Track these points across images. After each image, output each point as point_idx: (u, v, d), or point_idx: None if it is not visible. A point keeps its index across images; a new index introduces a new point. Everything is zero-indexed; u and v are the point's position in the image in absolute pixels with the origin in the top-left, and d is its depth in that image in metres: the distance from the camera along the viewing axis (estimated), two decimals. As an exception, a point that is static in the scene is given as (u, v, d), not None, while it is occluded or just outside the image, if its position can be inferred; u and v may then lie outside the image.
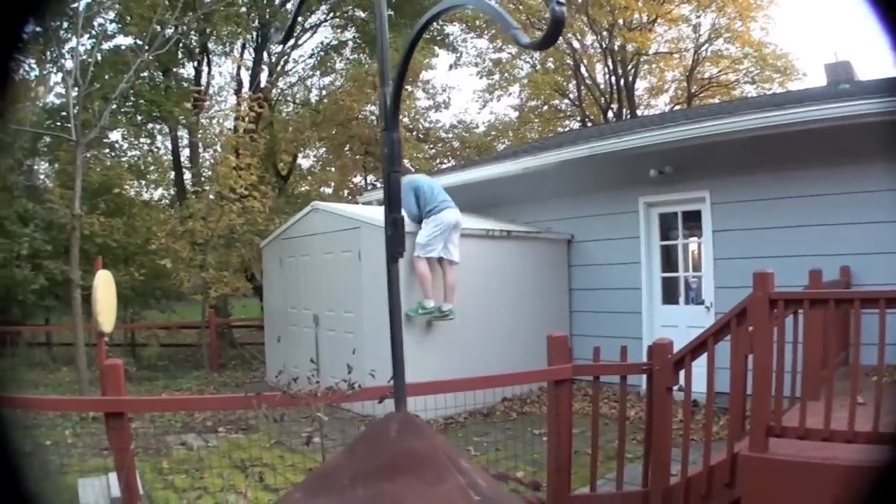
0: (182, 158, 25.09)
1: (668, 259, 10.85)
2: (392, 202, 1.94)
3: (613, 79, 27.74)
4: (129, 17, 19.03)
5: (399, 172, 1.99)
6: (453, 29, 28.32)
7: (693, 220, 10.34)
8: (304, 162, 27.88)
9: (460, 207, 11.89)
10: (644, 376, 5.59)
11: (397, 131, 2.02)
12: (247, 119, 14.97)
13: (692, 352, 5.39)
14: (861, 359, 4.81)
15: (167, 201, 26.12)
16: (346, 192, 22.75)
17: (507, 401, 10.12)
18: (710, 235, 9.88)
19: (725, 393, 5.37)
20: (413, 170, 20.38)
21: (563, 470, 5.36)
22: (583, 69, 28.04)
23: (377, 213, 11.02)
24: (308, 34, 26.69)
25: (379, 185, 21.58)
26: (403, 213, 8.30)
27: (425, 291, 9.50)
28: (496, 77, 29.50)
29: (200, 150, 22.52)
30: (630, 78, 27.87)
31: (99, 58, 11.24)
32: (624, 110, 27.30)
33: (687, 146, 9.50)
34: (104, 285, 8.62)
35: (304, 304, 11.77)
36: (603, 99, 28.21)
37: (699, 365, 5.38)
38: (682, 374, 5.46)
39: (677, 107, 28.33)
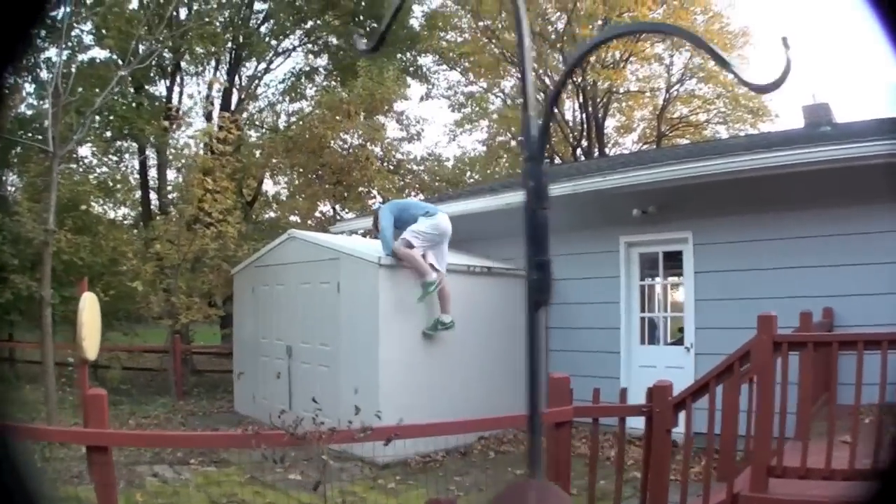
0: (149, 178, 24.87)
1: (648, 299, 10.84)
2: (538, 243, 1.77)
3: (583, 116, 27.86)
4: (105, 31, 18.82)
5: (547, 209, 1.85)
6: (426, 60, 28.50)
7: (674, 261, 10.34)
8: (269, 188, 27.75)
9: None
10: (642, 418, 5.53)
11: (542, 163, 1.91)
12: (225, 141, 14.67)
13: (693, 394, 5.36)
14: (862, 399, 4.80)
15: (130, 221, 25.84)
16: (313, 221, 22.55)
17: (484, 439, 9.96)
18: (691, 276, 9.89)
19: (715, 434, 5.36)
20: (385, 200, 20.40)
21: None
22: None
23: (358, 244, 10.94)
24: (280, 59, 26.82)
25: (349, 215, 21.49)
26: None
27: (421, 270, 9.42)
28: (467, 110, 29.55)
29: (171, 170, 22.28)
30: (600, 116, 28.02)
31: (73, 69, 10.87)
32: (594, 148, 27.41)
33: (672, 186, 9.53)
34: (90, 308, 7.93)
35: (276, 335, 11.53)
36: (572, 136, 28.34)
37: (699, 406, 5.37)
38: (681, 415, 5.41)
39: (645, 146, 28.58)
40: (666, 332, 10.71)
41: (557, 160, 27.94)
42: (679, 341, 10.21)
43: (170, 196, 23.33)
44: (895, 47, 1.41)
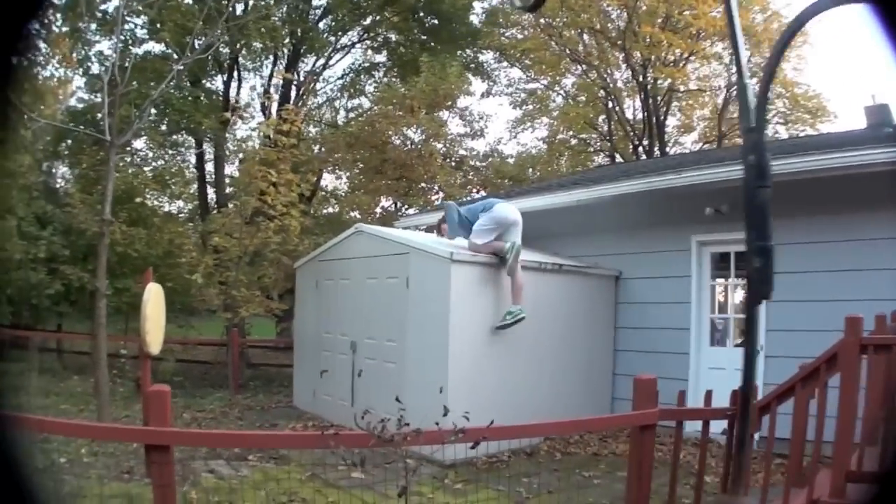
0: (206, 172, 25.01)
1: (719, 299, 10.68)
2: (759, 226, 1.67)
3: (644, 114, 27.59)
4: (159, 24, 18.97)
5: (769, 188, 1.73)
6: (487, 57, 28.39)
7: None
8: (327, 183, 27.78)
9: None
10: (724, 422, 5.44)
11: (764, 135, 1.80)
12: (289, 133, 14.63)
13: (778, 397, 5.25)
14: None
15: (186, 215, 26.04)
16: (373, 216, 22.56)
17: (550, 440, 9.85)
18: (764, 278, 9.67)
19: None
20: (448, 196, 20.33)
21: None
22: (611, 104, 27.94)
23: (427, 239, 10.89)
24: (339, 54, 26.87)
25: (411, 210, 21.45)
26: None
27: (496, 249, 9.54)
28: (529, 107, 29.40)
29: (229, 165, 22.37)
30: (661, 115, 27.72)
31: (128, 63, 10.88)
32: (654, 147, 27.14)
33: (746, 185, 9.34)
34: (154, 301, 7.83)
35: (340, 330, 11.45)
36: (633, 134, 28.08)
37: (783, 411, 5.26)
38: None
39: (706, 145, 28.22)
40: (735, 333, 10.49)
41: (619, 158, 27.75)
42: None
43: (229, 189, 23.58)
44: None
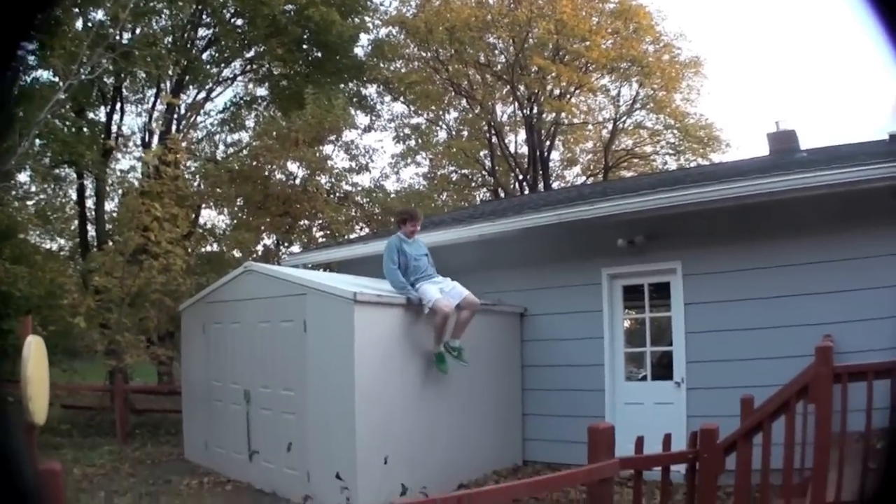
0: (86, 208, 23.89)
1: (633, 333, 10.40)
2: None
3: (528, 148, 27.67)
4: (50, 49, 17.95)
5: None
6: (370, 90, 28.01)
7: (660, 293, 9.88)
8: (206, 220, 26.82)
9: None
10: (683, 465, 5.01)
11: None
12: (175, 164, 13.84)
13: (745, 435, 4.86)
14: None
15: (67, 253, 24.87)
16: (256, 254, 21.78)
17: (463, 486, 9.25)
18: (681, 308, 9.40)
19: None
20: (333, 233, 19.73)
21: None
22: (494, 138, 27.91)
23: (325, 279, 10.21)
24: (220, 87, 26.12)
25: (295, 248, 20.85)
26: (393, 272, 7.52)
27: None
28: (411, 142, 29.06)
29: (110, 202, 21.37)
30: (545, 148, 27.87)
31: (15, 90, 10.05)
32: (538, 181, 27.18)
33: (662, 215, 9.10)
34: (36, 357, 6.47)
35: (231, 378, 10.53)
36: (517, 168, 28.11)
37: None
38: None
39: (590, 179, 28.48)
40: (652, 366, 10.18)
41: (502, 193, 27.68)
42: (665, 376, 9.69)
43: (110, 225, 22.53)
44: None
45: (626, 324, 10.67)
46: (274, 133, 20.78)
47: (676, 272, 9.45)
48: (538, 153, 27.32)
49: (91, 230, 23.97)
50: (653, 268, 9.71)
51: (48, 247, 23.36)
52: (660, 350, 9.98)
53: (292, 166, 20.89)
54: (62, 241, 25.60)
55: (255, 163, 20.81)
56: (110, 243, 16.66)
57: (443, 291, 9.20)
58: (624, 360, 10.19)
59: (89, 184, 23.24)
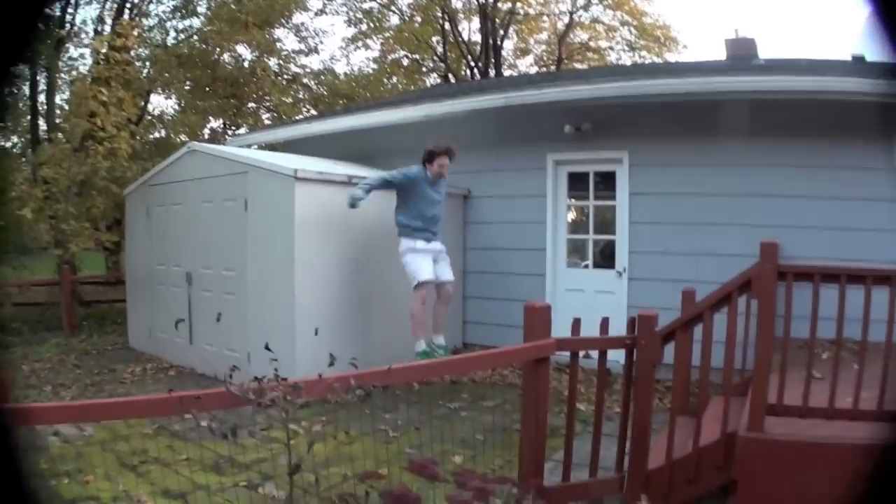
0: (38, 103, 23.03)
1: (577, 221, 10.34)
2: None
3: (481, 36, 27.14)
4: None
5: None
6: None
7: (606, 181, 9.77)
8: (154, 106, 26.03)
9: (341, 156, 11.16)
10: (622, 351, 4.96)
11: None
12: (123, 48, 13.30)
13: (685, 325, 4.81)
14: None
15: (18, 150, 24.13)
16: (203, 137, 21.26)
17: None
18: (626, 198, 9.35)
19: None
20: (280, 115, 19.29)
21: (540, 459, 4.63)
22: (448, 25, 27.29)
23: (266, 157, 9.94)
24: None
25: (242, 130, 20.40)
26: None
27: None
28: (363, 26, 28.26)
29: (62, 93, 20.61)
30: (499, 38, 27.34)
31: None
32: (489, 69, 26.77)
33: (612, 103, 8.95)
34: None
35: (174, 261, 10.40)
36: (469, 56, 27.61)
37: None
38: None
39: (542, 70, 28.12)
40: (594, 255, 10.15)
41: (452, 79, 27.26)
42: (608, 264, 9.68)
43: (59, 121, 21.84)
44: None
45: (571, 214, 10.52)
46: (226, 17, 20.05)
47: (623, 162, 9.36)
48: (491, 41, 26.83)
49: (42, 125, 23.25)
50: (599, 156, 9.61)
51: (2, 145, 22.52)
52: (603, 239, 9.85)
53: (241, 49, 20.26)
54: (14, 139, 24.72)
55: (204, 46, 20.09)
56: (59, 135, 16.06)
57: (436, 267, 8.62)
58: (566, 247, 10.18)
59: (42, 79, 22.39)
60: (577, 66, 27.55)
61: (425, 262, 8.44)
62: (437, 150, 8.47)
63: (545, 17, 28.28)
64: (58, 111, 22.10)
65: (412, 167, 8.53)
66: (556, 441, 5.75)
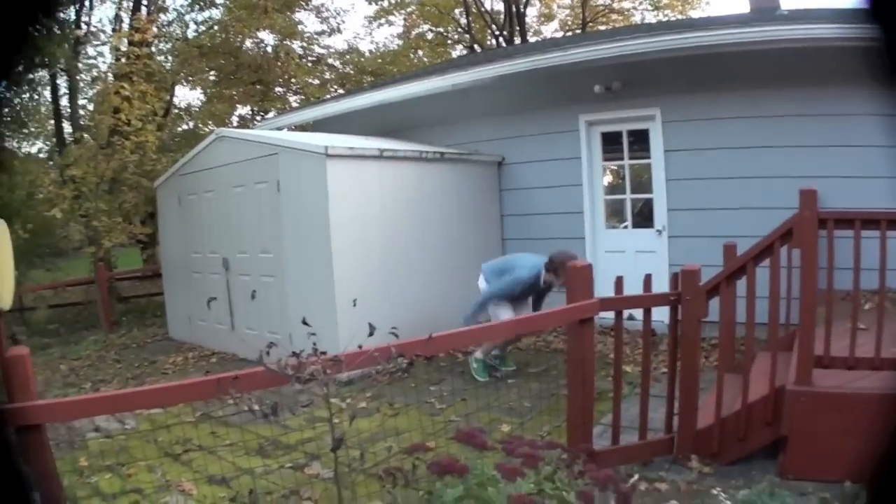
0: (61, 107, 23.26)
1: (612, 185, 10.21)
2: None
3: (504, 4, 26.84)
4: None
5: None
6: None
7: (640, 140, 9.61)
8: (180, 99, 26.13)
9: (371, 132, 11.15)
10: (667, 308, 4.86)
11: None
12: (142, 43, 13.31)
13: (728, 278, 4.70)
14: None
15: (45, 154, 24.37)
16: (231, 125, 21.29)
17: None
18: (661, 155, 9.17)
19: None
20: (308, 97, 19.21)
21: (588, 423, 4.57)
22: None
23: (295, 137, 9.90)
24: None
25: (270, 115, 20.36)
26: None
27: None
28: (384, 3, 28.03)
29: (85, 95, 20.73)
30: (521, 4, 27.02)
31: None
32: (514, 37, 26.48)
33: (640, 60, 8.72)
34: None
35: (209, 248, 10.43)
36: (493, 25, 27.33)
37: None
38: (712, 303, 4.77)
39: (567, 34, 27.75)
40: (633, 216, 10.01)
41: (478, 49, 27.01)
42: (646, 224, 9.54)
43: (84, 118, 21.99)
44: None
45: (607, 177, 10.39)
46: (242, 4, 20.03)
47: (655, 119, 9.19)
48: (514, 8, 26.52)
49: (67, 127, 23.47)
50: (631, 114, 9.43)
51: (27, 151, 22.72)
52: (641, 198, 9.70)
53: (263, 35, 20.21)
54: (40, 144, 24.93)
55: (224, 35, 20.08)
56: (85, 135, 16.15)
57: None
58: (604, 208, 10.05)
59: (62, 83, 22.56)
60: (602, 28, 27.19)
61: (505, 312, 7.73)
62: (559, 268, 7.37)
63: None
64: (81, 111, 22.26)
65: (533, 270, 7.77)
66: (604, 404, 5.71)
